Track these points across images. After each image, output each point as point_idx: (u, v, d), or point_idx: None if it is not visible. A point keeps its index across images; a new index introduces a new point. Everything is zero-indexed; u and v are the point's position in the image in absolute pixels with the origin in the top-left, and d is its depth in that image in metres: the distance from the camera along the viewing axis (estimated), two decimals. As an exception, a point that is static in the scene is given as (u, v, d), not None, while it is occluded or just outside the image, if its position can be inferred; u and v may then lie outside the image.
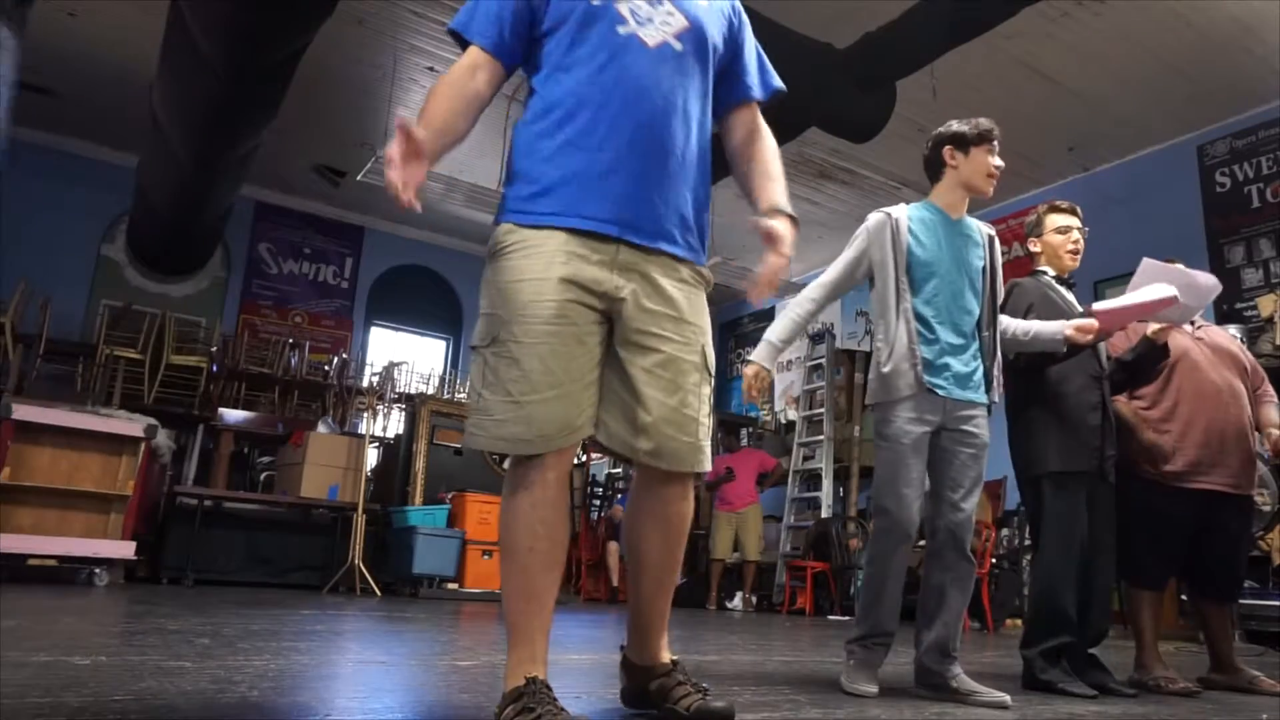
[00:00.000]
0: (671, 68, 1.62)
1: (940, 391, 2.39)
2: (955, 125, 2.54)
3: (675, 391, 1.58)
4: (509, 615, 1.53)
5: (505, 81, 1.69)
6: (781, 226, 1.66)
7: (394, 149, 1.45)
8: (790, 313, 2.57)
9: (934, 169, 2.59)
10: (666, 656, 1.74)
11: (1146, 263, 2.70)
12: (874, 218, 2.55)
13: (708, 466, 1.65)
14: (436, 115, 1.57)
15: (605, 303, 1.56)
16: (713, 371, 1.68)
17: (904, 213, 2.53)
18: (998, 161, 2.52)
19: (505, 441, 1.50)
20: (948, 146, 2.54)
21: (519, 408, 1.48)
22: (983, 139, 2.50)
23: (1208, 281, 2.67)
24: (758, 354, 2.50)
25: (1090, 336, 2.54)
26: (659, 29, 1.62)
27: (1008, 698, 2.21)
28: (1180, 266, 2.79)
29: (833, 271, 2.59)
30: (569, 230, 1.55)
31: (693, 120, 1.65)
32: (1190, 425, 2.91)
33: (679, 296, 1.61)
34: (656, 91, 1.59)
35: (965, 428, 2.41)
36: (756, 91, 1.81)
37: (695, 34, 1.66)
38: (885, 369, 2.43)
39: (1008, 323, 2.66)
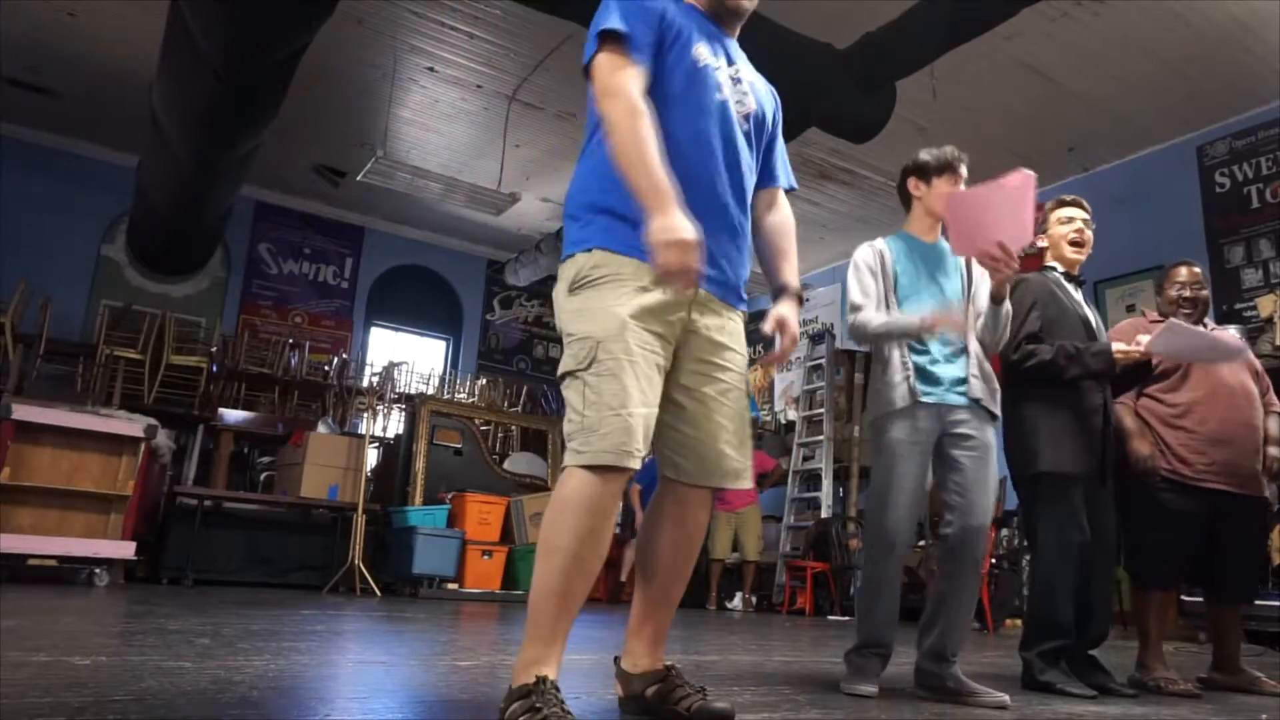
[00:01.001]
0: (743, 141, 1.78)
1: (932, 399, 2.41)
2: (921, 155, 2.58)
3: (735, 417, 1.75)
4: (535, 612, 1.55)
5: None
6: (788, 312, 1.85)
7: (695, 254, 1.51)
8: (881, 319, 2.45)
9: (903, 198, 2.65)
10: (662, 662, 1.77)
11: (1172, 324, 2.71)
12: (861, 249, 2.58)
13: (750, 483, 1.83)
14: (657, 165, 1.54)
15: (679, 335, 1.68)
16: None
17: (884, 243, 2.58)
18: (962, 189, 2.53)
19: (610, 453, 1.53)
20: (911, 178, 2.59)
21: (620, 418, 1.54)
22: (945, 169, 2.53)
23: (1234, 342, 2.74)
24: (910, 318, 2.39)
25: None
26: (735, 107, 1.77)
27: (1006, 698, 2.21)
28: (1206, 330, 2.81)
29: (862, 290, 2.50)
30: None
31: (749, 192, 1.82)
32: (1205, 424, 2.90)
33: (735, 331, 1.79)
34: (739, 159, 1.76)
35: (963, 430, 2.41)
36: (782, 181, 1.97)
37: (758, 118, 1.83)
38: (879, 384, 2.47)
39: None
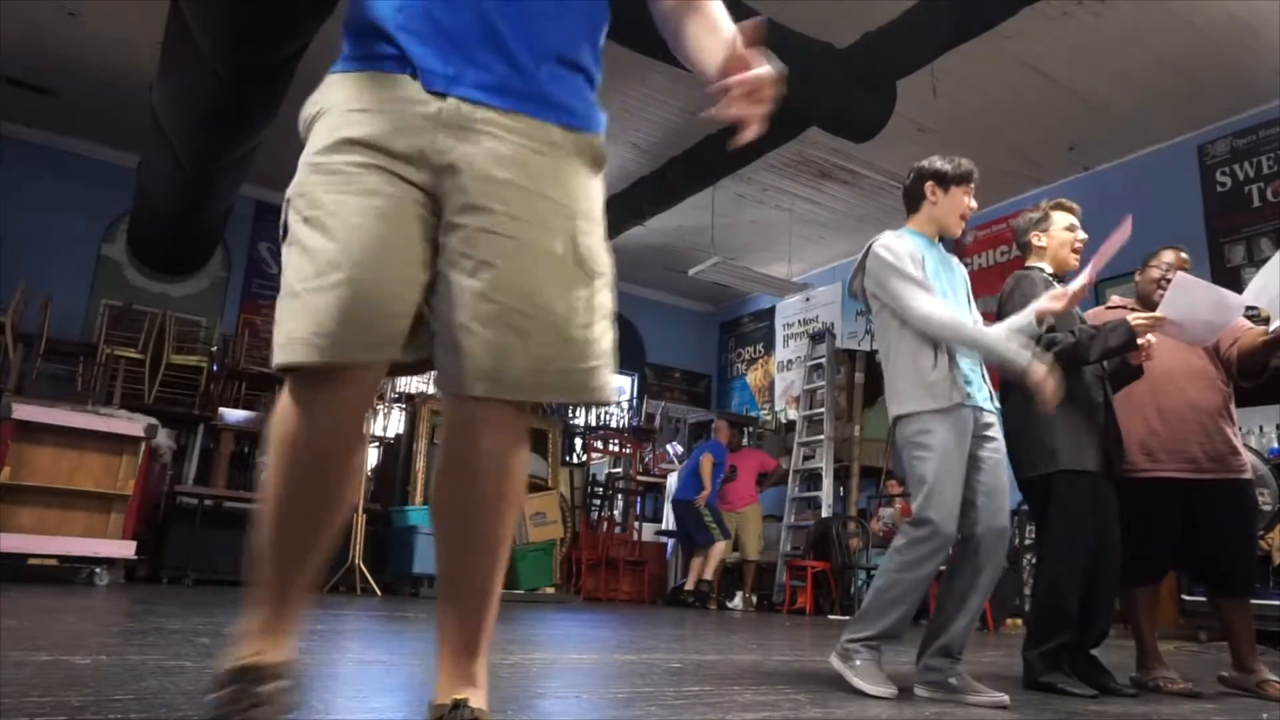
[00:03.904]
0: None
1: (972, 402, 2.45)
2: (939, 162, 2.60)
3: (503, 284, 1.10)
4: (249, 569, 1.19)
5: None
6: (743, 49, 1.09)
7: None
8: (976, 332, 2.46)
9: (913, 200, 2.65)
10: (461, 688, 1.16)
11: (1181, 277, 2.70)
12: (898, 242, 2.57)
13: (601, 397, 1.16)
14: None
15: (424, 174, 1.14)
16: (596, 272, 1.16)
17: (906, 234, 2.62)
18: (973, 203, 2.60)
19: (282, 348, 1.08)
20: (930, 182, 2.60)
21: (296, 299, 1.09)
22: (963, 179, 2.57)
23: (1237, 301, 2.67)
24: (1026, 355, 2.39)
25: (1061, 305, 2.49)
26: None
27: (1006, 697, 2.21)
28: (1213, 285, 2.74)
29: (913, 277, 2.47)
30: (374, 73, 1.18)
31: None
32: (1140, 411, 2.87)
33: (533, 160, 1.14)
34: None
35: (989, 433, 2.47)
36: None
37: None
38: (931, 376, 2.40)
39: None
